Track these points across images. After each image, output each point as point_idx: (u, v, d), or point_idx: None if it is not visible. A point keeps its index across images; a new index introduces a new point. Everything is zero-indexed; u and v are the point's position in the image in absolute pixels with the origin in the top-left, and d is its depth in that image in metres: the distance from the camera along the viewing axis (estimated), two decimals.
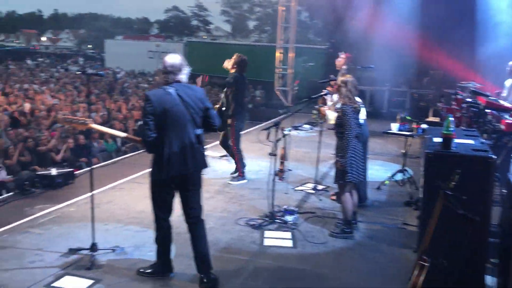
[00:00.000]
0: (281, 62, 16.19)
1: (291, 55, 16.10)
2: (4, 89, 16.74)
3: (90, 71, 4.55)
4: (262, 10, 57.50)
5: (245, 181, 7.26)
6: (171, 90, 3.93)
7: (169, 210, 4.18)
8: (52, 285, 4.03)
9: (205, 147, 4.22)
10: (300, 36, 17.48)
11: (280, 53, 16.08)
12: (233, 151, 7.28)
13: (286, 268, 4.60)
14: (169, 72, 3.97)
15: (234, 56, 7.08)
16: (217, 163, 8.25)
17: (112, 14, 78.67)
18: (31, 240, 4.96)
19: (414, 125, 7.87)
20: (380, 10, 12.49)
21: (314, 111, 11.21)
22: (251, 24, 62.21)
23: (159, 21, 71.54)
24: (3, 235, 5.09)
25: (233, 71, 7.05)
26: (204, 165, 4.14)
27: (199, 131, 4.04)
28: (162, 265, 4.26)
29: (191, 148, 3.95)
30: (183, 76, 4.03)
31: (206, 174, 7.10)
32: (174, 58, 4.00)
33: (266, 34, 54.53)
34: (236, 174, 7.33)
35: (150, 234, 5.12)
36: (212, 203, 6.23)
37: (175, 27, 65.48)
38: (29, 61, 38.80)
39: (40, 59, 42.63)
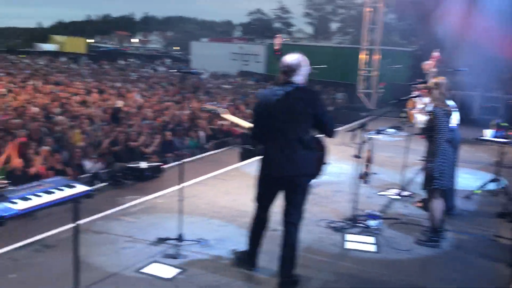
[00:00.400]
0: (366, 64, 15.87)
1: (376, 57, 15.75)
2: (99, 87, 17.91)
3: (184, 69, 4.68)
4: (346, 12, 56.58)
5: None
6: (280, 91, 3.82)
7: (265, 205, 4.15)
8: (142, 270, 4.25)
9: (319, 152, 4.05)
10: (385, 38, 17.01)
11: (366, 55, 15.76)
12: None
13: (368, 272, 4.50)
14: (284, 72, 3.85)
15: None
16: None
17: (197, 17, 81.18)
18: (123, 227, 5.28)
19: (510, 132, 7.38)
20: (473, 8, 11.80)
21: (403, 114, 10.85)
22: (334, 26, 61.48)
23: (242, 24, 72.91)
24: (98, 221, 5.44)
25: None
26: (310, 171, 3.96)
27: (307, 135, 3.89)
28: (249, 257, 4.32)
29: (293, 152, 3.81)
30: (299, 77, 3.84)
31: None
32: (291, 58, 3.86)
33: (349, 36, 53.61)
34: None
35: (232, 229, 5.30)
36: None
37: (258, 29, 66.37)
38: (121, 61, 41.20)
39: (130, 60, 45.13)
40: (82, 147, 8.69)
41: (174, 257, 4.51)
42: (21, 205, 2.90)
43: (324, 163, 4.10)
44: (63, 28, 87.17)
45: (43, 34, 78.82)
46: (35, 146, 8.27)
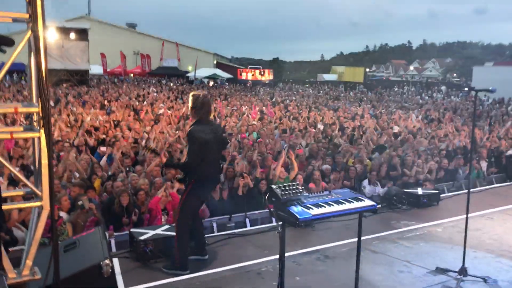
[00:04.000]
0: None
1: None
2: (374, 112, 18.33)
3: (477, 88, 4.34)
4: None
5: None
6: None
7: None
8: None
9: None
10: None
11: None
12: None
13: None
14: None
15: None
16: None
17: (482, 41, 75.40)
18: (400, 251, 5.14)
19: None
20: None
21: None
22: None
23: None
24: (374, 241, 5.45)
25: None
26: None
27: None
28: None
29: None
30: None
31: None
32: None
33: None
34: None
35: None
36: None
37: None
38: (396, 89, 41.43)
39: (406, 87, 44.93)
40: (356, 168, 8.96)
41: None
42: (315, 211, 3.11)
43: None
44: (343, 59, 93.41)
45: (325, 65, 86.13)
46: (315, 162, 8.97)
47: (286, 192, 3.15)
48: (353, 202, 3.31)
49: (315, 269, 4.60)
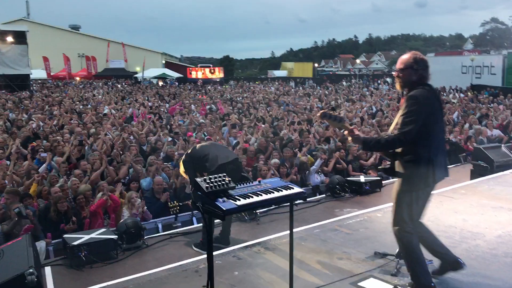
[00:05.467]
0: None
1: None
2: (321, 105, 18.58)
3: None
4: None
5: None
6: None
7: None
8: (359, 284, 4.02)
9: None
10: None
11: None
12: None
13: None
14: None
15: None
16: None
17: (424, 33, 78.13)
18: (340, 238, 5.16)
19: None
20: None
21: None
22: None
23: (474, 36, 67.14)
24: (315, 230, 5.45)
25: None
26: None
27: None
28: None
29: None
30: None
31: None
32: None
33: None
34: None
35: (461, 251, 4.66)
36: None
37: (493, 40, 60.05)
38: (344, 83, 42.23)
39: (353, 80, 45.90)
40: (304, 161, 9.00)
41: (393, 274, 4.16)
42: (241, 202, 3.02)
43: None
44: (293, 55, 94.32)
45: (275, 62, 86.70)
46: (263, 157, 8.96)
47: (212, 185, 3.05)
48: (282, 191, 3.26)
49: (254, 262, 4.53)
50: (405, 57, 3.77)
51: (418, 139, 3.52)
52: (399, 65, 3.76)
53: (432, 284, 3.60)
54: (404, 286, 3.87)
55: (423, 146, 3.54)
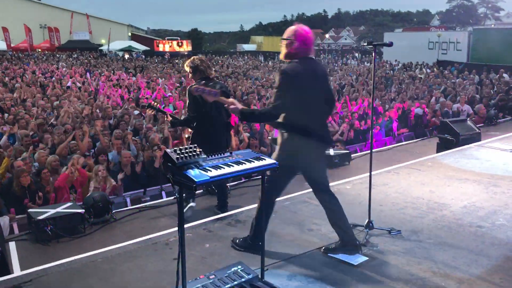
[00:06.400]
0: None
1: None
2: None
3: (375, 43, 4.37)
4: None
5: None
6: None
7: None
8: (329, 254, 4.06)
9: None
10: None
11: None
12: None
13: None
14: None
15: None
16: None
17: (392, 9, 78.70)
18: (310, 210, 5.18)
19: None
20: None
21: None
22: None
23: (440, 12, 68.03)
24: (285, 202, 5.46)
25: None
26: None
27: None
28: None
29: None
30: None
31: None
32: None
33: None
34: None
35: (428, 221, 4.77)
36: (503, 199, 5.42)
37: (459, 16, 61.00)
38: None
39: (322, 55, 45.96)
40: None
41: (362, 244, 4.22)
42: (213, 173, 2.96)
43: None
44: (262, 29, 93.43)
45: (244, 36, 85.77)
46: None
47: (182, 156, 2.97)
48: (253, 162, 3.21)
49: (225, 234, 4.51)
50: (290, 28, 3.88)
51: (291, 112, 3.69)
52: (283, 35, 3.87)
53: None
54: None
55: (295, 119, 3.71)
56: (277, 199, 4.09)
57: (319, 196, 4.10)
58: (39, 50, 45.51)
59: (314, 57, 3.92)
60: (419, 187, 5.91)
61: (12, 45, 43.70)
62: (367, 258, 3.96)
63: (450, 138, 8.41)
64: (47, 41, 49.07)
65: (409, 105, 12.34)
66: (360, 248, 4.03)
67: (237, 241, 4.19)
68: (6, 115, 10.65)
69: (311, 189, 5.99)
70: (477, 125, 9.55)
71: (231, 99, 3.80)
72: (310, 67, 3.76)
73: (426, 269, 3.76)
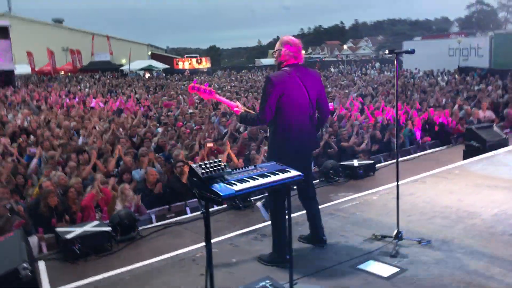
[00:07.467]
0: None
1: None
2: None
3: (397, 50, 4.34)
4: None
5: None
6: None
7: None
8: (358, 267, 3.99)
9: None
10: None
11: None
12: None
13: None
14: None
15: None
16: None
17: (410, 17, 78.32)
18: (336, 222, 5.11)
19: None
20: None
21: None
22: None
23: (459, 19, 67.38)
24: None
25: None
26: None
27: None
28: None
29: None
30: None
31: None
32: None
33: None
34: None
35: (458, 230, 4.65)
36: None
37: (478, 22, 60.29)
38: (332, 69, 42.19)
39: (341, 67, 45.88)
40: None
41: (392, 255, 4.13)
42: (238, 186, 2.95)
43: None
44: None
45: (263, 50, 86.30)
46: (254, 145, 8.86)
47: (207, 170, 2.97)
48: (278, 174, 3.19)
49: (251, 249, 4.47)
50: (280, 39, 4.14)
51: (276, 116, 3.94)
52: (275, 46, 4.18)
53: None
54: None
55: (278, 123, 3.97)
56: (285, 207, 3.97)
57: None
58: (62, 72, 46.53)
59: (303, 64, 4.12)
60: (447, 196, 5.78)
61: (36, 69, 44.79)
62: (398, 269, 3.87)
63: (477, 145, 8.24)
64: (70, 63, 50.14)
65: (432, 113, 12.15)
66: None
67: (264, 257, 4.16)
68: (32, 136, 10.86)
69: (336, 201, 5.96)
70: (505, 130, 9.34)
71: (236, 102, 4.17)
72: (296, 74, 3.97)
73: (459, 280, 3.65)
